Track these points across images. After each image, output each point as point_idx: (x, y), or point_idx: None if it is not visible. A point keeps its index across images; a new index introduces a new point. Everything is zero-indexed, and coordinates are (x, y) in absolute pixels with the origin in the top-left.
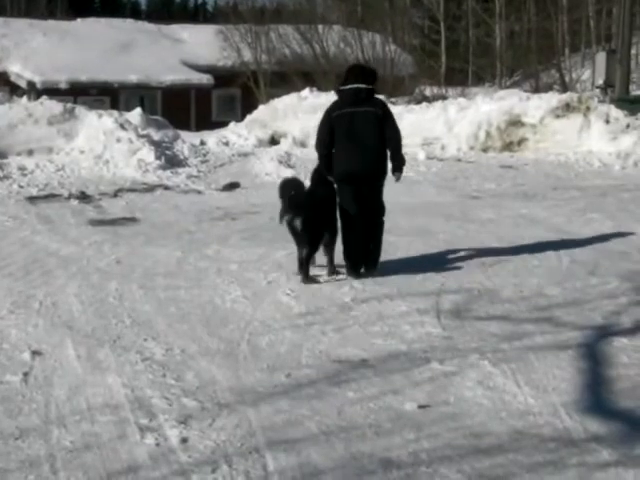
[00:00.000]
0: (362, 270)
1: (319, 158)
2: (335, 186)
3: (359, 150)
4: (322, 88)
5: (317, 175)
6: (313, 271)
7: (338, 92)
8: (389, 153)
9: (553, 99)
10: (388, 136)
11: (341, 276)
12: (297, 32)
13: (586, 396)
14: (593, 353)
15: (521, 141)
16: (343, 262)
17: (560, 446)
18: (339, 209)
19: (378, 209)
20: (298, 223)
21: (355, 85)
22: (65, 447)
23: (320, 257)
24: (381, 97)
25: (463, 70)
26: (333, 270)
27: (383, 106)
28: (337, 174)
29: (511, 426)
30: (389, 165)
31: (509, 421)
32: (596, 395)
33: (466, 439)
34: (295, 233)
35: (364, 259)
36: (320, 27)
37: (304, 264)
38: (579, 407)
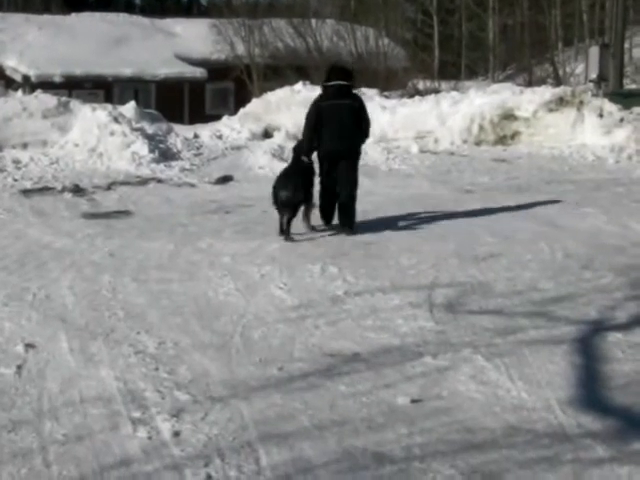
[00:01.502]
0: (336, 224)
1: (305, 139)
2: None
3: (339, 133)
4: (315, 82)
5: (297, 153)
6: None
7: (323, 87)
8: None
9: (546, 93)
10: (363, 125)
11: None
12: (290, 26)
13: (580, 391)
14: (587, 348)
15: (514, 135)
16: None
17: (554, 442)
18: (320, 179)
19: (353, 180)
20: (284, 195)
21: (337, 82)
22: (57, 440)
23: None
24: (356, 92)
25: (456, 64)
26: (310, 227)
27: (359, 100)
28: (322, 152)
29: (505, 421)
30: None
31: (503, 416)
32: (590, 390)
33: (459, 434)
34: (281, 203)
35: (343, 220)
36: (313, 21)
37: (287, 227)
38: (573, 402)
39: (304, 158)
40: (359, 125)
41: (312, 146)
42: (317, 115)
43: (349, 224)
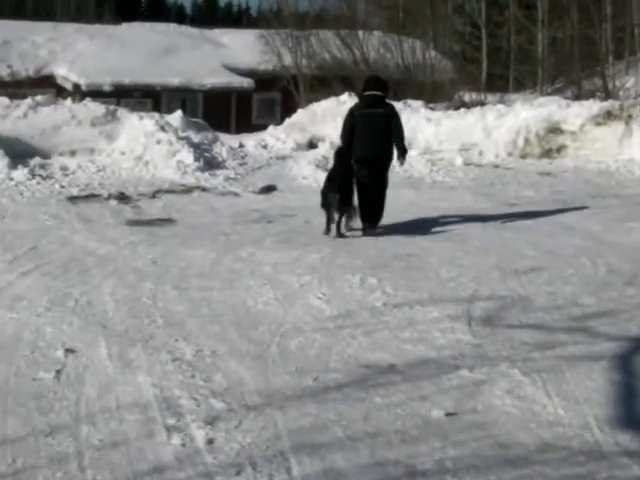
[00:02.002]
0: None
1: (343, 144)
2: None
3: (372, 140)
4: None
5: (339, 157)
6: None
7: (359, 97)
8: (394, 144)
9: (594, 106)
10: (394, 131)
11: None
12: (338, 37)
13: (618, 409)
14: (627, 365)
15: (560, 148)
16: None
17: (589, 459)
18: (356, 182)
19: (384, 183)
20: (334, 197)
21: (372, 92)
22: (93, 445)
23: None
24: (391, 102)
25: (504, 76)
26: (349, 228)
27: (392, 109)
28: (356, 157)
29: (539, 437)
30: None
31: (538, 432)
32: (629, 408)
33: (493, 449)
34: (331, 205)
35: (369, 217)
36: (360, 33)
37: (337, 226)
38: (611, 420)
39: (353, 163)
40: (391, 132)
41: (350, 149)
42: (352, 122)
43: (374, 221)
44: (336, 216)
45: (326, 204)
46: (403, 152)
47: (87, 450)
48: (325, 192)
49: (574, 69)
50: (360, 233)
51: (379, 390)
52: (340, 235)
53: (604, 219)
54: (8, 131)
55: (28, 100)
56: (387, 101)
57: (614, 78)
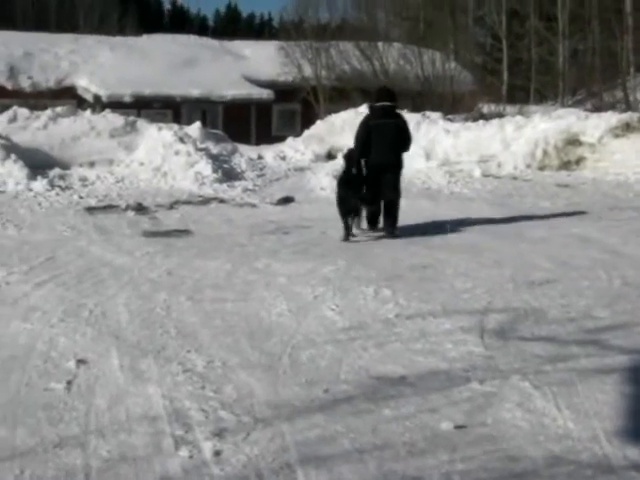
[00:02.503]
0: (380, 228)
1: (357, 154)
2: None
3: (386, 148)
4: None
5: (349, 160)
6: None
7: (371, 108)
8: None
9: (612, 118)
10: (405, 141)
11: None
12: (357, 49)
13: (628, 422)
14: (639, 378)
15: (579, 160)
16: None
17: (597, 473)
18: (370, 188)
19: (397, 189)
20: (350, 199)
21: (384, 103)
22: (101, 457)
23: None
24: (400, 112)
25: (525, 88)
26: (360, 229)
27: (402, 119)
28: (370, 164)
29: (548, 450)
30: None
31: (547, 445)
32: (638, 422)
33: (501, 462)
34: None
35: (387, 223)
36: (380, 44)
37: (351, 226)
38: (620, 433)
39: (354, 170)
40: (402, 141)
41: (365, 156)
42: (367, 132)
43: (391, 227)
44: (351, 217)
45: (345, 210)
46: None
47: (95, 462)
48: (344, 198)
49: (595, 81)
50: (374, 239)
51: (389, 402)
52: (351, 235)
53: (621, 231)
54: (28, 142)
55: (48, 111)
56: (397, 111)
57: (635, 90)
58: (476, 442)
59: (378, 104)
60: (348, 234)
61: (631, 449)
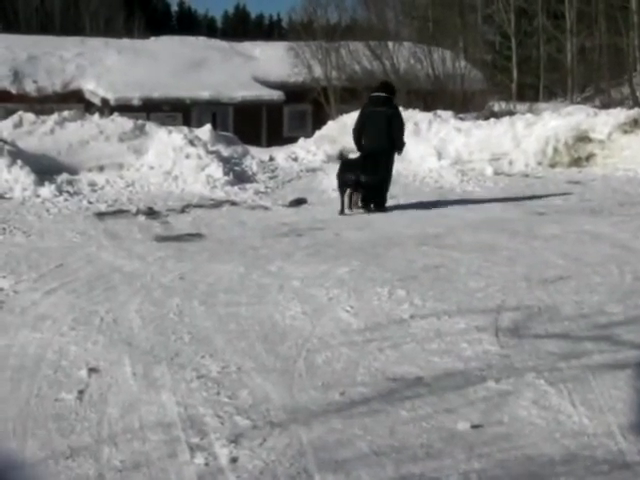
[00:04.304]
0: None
1: (353, 139)
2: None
3: (375, 135)
4: None
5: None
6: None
7: (368, 97)
8: (395, 138)
9: (621, 115)
10: (394, 128)
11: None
12: (367, 48)
13: None
14: None
15: (589, 157)
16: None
17: (613, 468)
18: (361, 170)
19: (385, 170)
20: (350, 176)
21: (378, 93)
22: (115, 467)
23: None
24: (396, 103)
25: (534, 85)
26: (355, 207)
27: (393, 108)
28: (364, 149)
29: (564, 447)
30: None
31: (562, 442)
32: None
33: (518, 460)
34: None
35: (372, 200)
36: (390, 43)
37: (349, 201)
38: (635, 428)
39: (339, 158)
40: (391, 128)
41: (360, 142)
42: (361, 119)
43: (376, 204)
44: (347, 192)
45: (340, 187)
46: (401, 146)
47: (108, 472)
48: (339, 176)
49: (602, 77)
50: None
51: (405, 403)
52: (343, 212)
53: (632, 227)
54: (34, 147)
55: (55, 116)
56: (392, 102)
57: None
58: (493, 441)
59: (374, 94)
60: (342, 209)
61: None
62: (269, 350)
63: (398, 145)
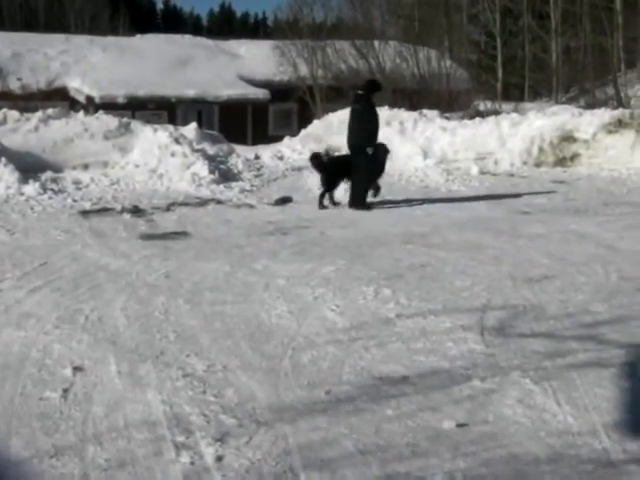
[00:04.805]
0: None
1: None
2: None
3: (350, 131)
4: (377, 103)
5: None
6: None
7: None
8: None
9: (605, 115)
10: (363, 123)
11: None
12: (353, 47)
13: (627, 416)
14: (636, 372)
15: (574, 156)
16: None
17: (598, 467)
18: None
19: (359, 169)
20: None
21: (357, 91)
22: (100, 465)
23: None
24: (372, 101)
25: (519, 85)
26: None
27: (365, 105)
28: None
29: (549, 446)
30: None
31: (547, 440)
32: (637, 415)
33: (503, 459)
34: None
35: (349, 198)
36: (376, 42)
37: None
38: (619, 427)
39: (313, 158)
40: (361, 124)
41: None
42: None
43: (353, 201)
44: (326, 188)
45: (321, 183)
46: (368, 142)
47: (93, 471)
48: (320, 174)
49: (587, 78)
50: (369, 236)
51: (391, 402)
52: (322, 207)
53: (616, 227)
54: (18, 145)
55: (39, 113)
56: (366, 99)
57: (626, 87)
58: (478, 440)
59: (355, 92)
60: (320, 203)
61: (630, 443)
62: (255, 349)
63: (362, 142)
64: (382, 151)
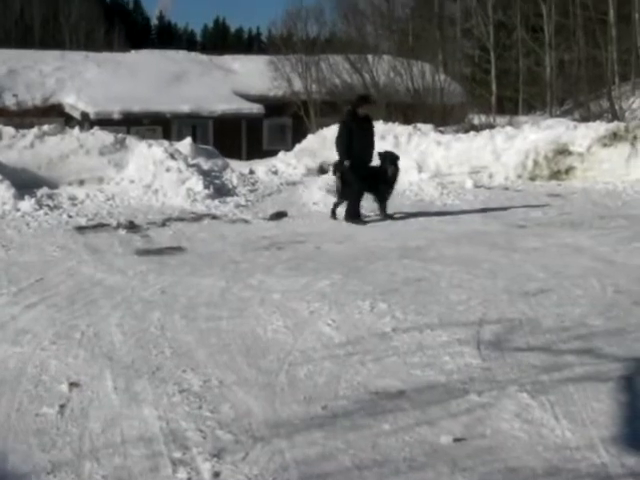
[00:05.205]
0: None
1: None
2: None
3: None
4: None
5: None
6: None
7: None
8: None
9: (600, 128)
10: (337, 140)
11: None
12: (347, 62)
13: (625, 430)
14: (633, 385)
15: (569, 170)
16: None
17: None
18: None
19: (340, 183)
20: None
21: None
22: None
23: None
24: (349, 116)
25: (513, 99)
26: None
27: (346, 119)
28: None
29: (547, 460)
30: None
31: (545, 455)
32: (635, 429)
33: (501, 474)
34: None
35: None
36: (370, 57)
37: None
38: (617, 442)
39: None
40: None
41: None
42: None
43: (346, 216)
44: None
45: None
46: (339, 156)
47: None
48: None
49: (581, 91)
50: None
51: (388, 417)
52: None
53: (612, 240)
54: (14, 161)
55: (34, 129)
56: (354, 113)
57: (620, 100)
58: (475, 454)
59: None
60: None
61: (628, 457)
62: (251, 364)
63: (339, 156)
64: (391, 166)
